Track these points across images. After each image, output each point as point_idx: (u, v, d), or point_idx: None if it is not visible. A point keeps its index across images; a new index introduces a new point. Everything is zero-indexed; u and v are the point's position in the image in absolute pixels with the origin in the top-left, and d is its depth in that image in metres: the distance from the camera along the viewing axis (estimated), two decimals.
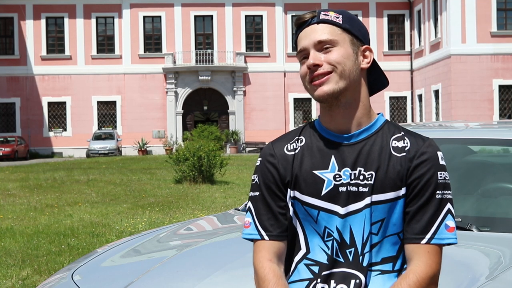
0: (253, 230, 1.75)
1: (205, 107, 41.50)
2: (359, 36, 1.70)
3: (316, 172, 1.68)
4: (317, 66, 1.65)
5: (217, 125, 40.06)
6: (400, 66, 40.34)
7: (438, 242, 1.64)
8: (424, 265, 1.61)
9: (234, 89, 40.54)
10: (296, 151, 1.73)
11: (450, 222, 1.66)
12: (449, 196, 1.67)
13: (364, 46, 1.71)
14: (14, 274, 6.28)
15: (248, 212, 1.78)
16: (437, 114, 35.53)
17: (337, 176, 1.66)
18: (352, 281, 1.64)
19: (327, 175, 1.67)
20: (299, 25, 1.71)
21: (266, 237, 1.72)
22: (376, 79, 1.78)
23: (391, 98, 40.78)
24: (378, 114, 1.76)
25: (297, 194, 1.70)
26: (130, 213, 11.13)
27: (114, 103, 40.92)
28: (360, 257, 1.64)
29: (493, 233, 2.80)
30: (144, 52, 41.10)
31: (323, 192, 1.67)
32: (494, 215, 3.05)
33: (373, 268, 1.65)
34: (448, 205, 1.66)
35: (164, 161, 20.47)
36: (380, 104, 39.37)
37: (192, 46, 41.06)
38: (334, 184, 1.66)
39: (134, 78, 40.67)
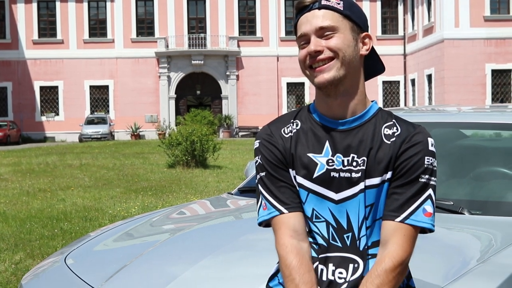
0: (270, 208, 1.72)
1: (198, 91, 41.41)
2: (359, 23, 1.70)
3: (310, 155, 1.70)
4: (318, 52, 1.65)
5: (210, 110, 39.99)
6: (393, 50, 40.29)
7: (413, 223, 1.63)
8: (400, 249, 1.61)
9: (227, 73, 40.44)
10: (292, 133, 1.74)
11: (429, 207, 1.65)
12: (433, 183, 1.67)
13: (364, 33, 1.71)
14: (7, 258, 6.28)
15: (260, 195, 1.75)
16: (430, 98, 35.58)
17: (330, 161, 1.68)
18: (351, 266, 1.66)
19: (321, 159, 1.68)
20: (300, 9, 1.70)
21: (285, 210, 1.70)
22: (372, 64, 1.78)
23: (384, 82, 40.79)
24: (372, 101, 1.77)
25: (295, 174, 1.72)
26: (123, 197, 11.13)
27: (106, 87, 40.77)
28: (357, 242, 1.67)
29: (485, 217, 2.82)
30: (137, 36, 40.90)
31: (315, 175, 1.68)
32: (486, 199, 3.06)
33: (369, 251, 1.67)
34: (430, 191, 1.66)
35: (157, 145, 20.45)
36: (373, 89, 39.38)
37: (184, 30, 40.88)
38: (327, 168, 1.68)
39: (126, 62, 40.49)
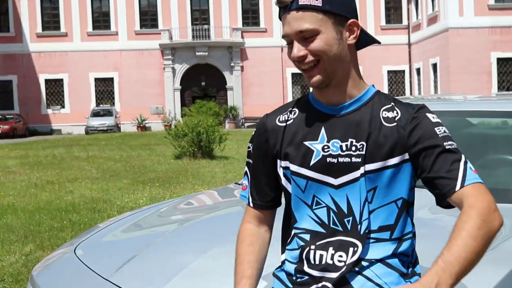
0: (246, 193, 1.86)
1: (203, 83, 41.38)
2: (343, 13, 1.64)
3: (306, 143, 1.70)
4: (302, 57, 1.63)
5: (215, 101, 39.99)
6: (397, 40, 40.16)
7: (472, 181, 1.57)
8: (475, 200, 1.54)
9: (232, 64, 40.40)
10: (288, 122, 1.75)
11: (471, 165, 1.61)
12: (456, 146, 1.62)
13: (350, 21, 1.65)
14: (17, 249, 6.32)
15: (245, 175, 1.88)
16: (435, 87, 35.48)
17: (325, 147, 1.67)
18: (350, 249, 1.65)
19: (316, 146, 1.68)
20: (280, 7, 1.67)
21: (251, 204, 1.84)
22: (364, 39, 1.74)
23: (389, 72, 40.68)
24: (370, 85, 1.76)
25: (288, 164, 1.72)
26: (130, 188, 11.16)
27: (111, 79, 40.79)
28: (359, 226, 1.65)
29: None
30: (140, 28, 40.87)
31: (312, 162, 1.68)
32: (493, 187, 3.06)
33: (372, 235, 1.66)
34: (461, 153, 1.62)
35: (163, 137, 20.47)
36: (378, 79, 39.29)
37: (188, 21, 40.83)
38: (322, 155, 1.67)
39: (130, 55, 40.49)
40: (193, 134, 16.69)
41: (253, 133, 1.84)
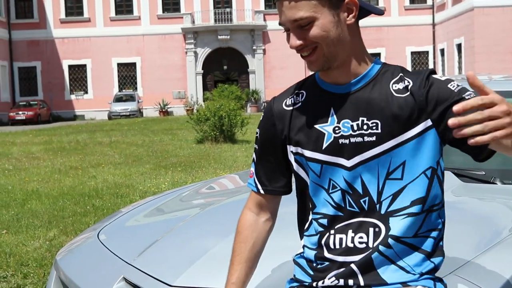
0: (252, 181, 1.83)
1: (225, 66, 41.37)
2: None
3: (317, 126, 1.66)
4: (299, 46, 1.59)
5: (237, 85, 39.98)
6: (421, 20, 39.70)
7: None
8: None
9: (254, 47, 40.30)
10: (296, 105, 1.71)
11: None
12: (474, 93, 1.55)
13: (346, 1, 1.58)
14: (41, 235, 6.40)
15: (253, 162, 1.84)
16: (459, 68, 35.06)
17: (336, 128, 1.63)
18: (371, 229, 1.62)
19: (327, 128, 1.65)
20: None
21: (262, 191, 1.79)
22: (364, 11, 1.67)
23: (412, 53, 40.28)
24: (375, 58, 1.71)
25: (300, 150, 1.69)
26: (153, 173, 11.23)
27: (134, 64, 40.96)
28: (377, 205, 1.61)
29: None
30: (163, 12, 40.90)
31: (324, 146, 1.64)
32: None
33: (400, 213, 1.61)
34: None
35: (185, 121, 20.53)
36: (401, 60, 38.92)
37: (210, 5, 40.75)
38: (334, 137, 1.63)
39: (153, 39, 40.58)
40: (215, 118, 16.71)
41: (260, 118, 1.81)
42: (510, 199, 2.65)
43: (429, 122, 1.60)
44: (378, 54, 39.11)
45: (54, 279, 2.64)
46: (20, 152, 16.47)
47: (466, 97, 1.56)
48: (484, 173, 2.80)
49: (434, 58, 39.96)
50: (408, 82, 1.62)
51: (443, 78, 1.62)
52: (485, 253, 1.99)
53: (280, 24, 1.62)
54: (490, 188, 2.74)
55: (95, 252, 2.64)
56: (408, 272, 1.61)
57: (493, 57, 32.21)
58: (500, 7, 32.18)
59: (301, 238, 1.79)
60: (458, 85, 1.60)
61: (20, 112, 36.00)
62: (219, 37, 40.07)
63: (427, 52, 40.36)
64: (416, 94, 1.60)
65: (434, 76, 1.62)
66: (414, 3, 40.59)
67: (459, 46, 35.22)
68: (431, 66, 40.01)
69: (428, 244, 1.63)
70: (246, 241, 1.79)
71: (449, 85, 1.59)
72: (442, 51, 38.52)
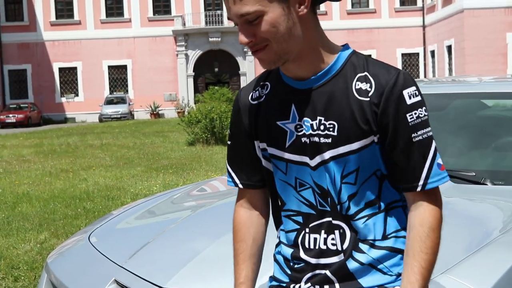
0: (229, 177, 1.74)
1: (216, 68, 41.35)
2: None
3: (279, 123, 1.59)
4: (248, 43, 1.48)
5: (228, 87, 39.95)
6: (412, 22, 39.81)
7: (434, 185, 1.51)
8: (429, 212, 1.51)
9: (245, 50, 40.28)
10: (261, 99, 1.64)
11: (439, 160, 1.52)
12: (429, 134, 1.50)
13: None
14: (32, 237, 6.37)
15: (227, 158, 1.77)
16: (450, 70, 35.19)
17: (298, 126, 1.56)
18: (337, 232, 1.58)
19: (289, 125, 1.58)
20: None
21: (240, 185, 1.72)
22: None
23: (403, 55, 40.39)
24: (343, 46, 1.59)
25: (265, 146, 1.64)
26: (144, 176, 11.21)
27: (125, 67, 40.87)
28: (338, 207, 1.57)
29: (507, 187, 2.79)
30: (153, 14, 40.84)
31: (287, 144, 1.59)
32: (508, 169, 3.04)
33: (360, 215, 1.57)
34: (431, 143, 1.51)
35: (176, 124, 20.53)
36: (392, 62, 39.00)
37: (201, 7, 40.73)
38: (297, 135, 1.57)
39: (144, 42, 40.51)
40: (206, 120, 16.71)
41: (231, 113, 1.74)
42: (500, 199, 2.66)
43: (376, 139, 1.53)
44: (369, 56, 39.10)
45: (45, 282, 2.63)
46: (10, 155, 16.41)
47: (415, 139, 1.49)
48: (474, 174, 2.81)
49: (424, 59, 40.08)
50: (371, 86, 1.51)
51: (408, 101, 1.49)
52: (476, 254, 2.00)
53: (228, 18, 1.51)
54: (481, 189, 2.75)
55: (86, 254, 2.63)
56: (385, 273, 1.58)
57: (483, 59, 32.34)
58: (490, 8, 32.33)
59: (277, 229, 1.76)
60: (418, 117, 1.50)
61: (11, 115, 35.84)
62: (210, 39, 40.05)
63: (418, 54, 40.47)
64: (374, 105, 1.50)
65: (404, 92, 1.49)
66: (405, 5, 40.70)
67: (449, 48, 35.35)
68: (421, 68, 40.12)
69: (401, 244, 1.58)
70: (245, 239, 1.74)
71: (407, 115, 1.49)
72: (433, 52, 38.65)
